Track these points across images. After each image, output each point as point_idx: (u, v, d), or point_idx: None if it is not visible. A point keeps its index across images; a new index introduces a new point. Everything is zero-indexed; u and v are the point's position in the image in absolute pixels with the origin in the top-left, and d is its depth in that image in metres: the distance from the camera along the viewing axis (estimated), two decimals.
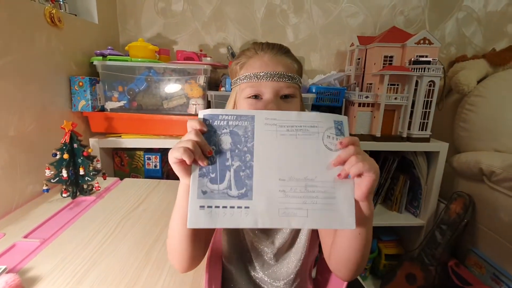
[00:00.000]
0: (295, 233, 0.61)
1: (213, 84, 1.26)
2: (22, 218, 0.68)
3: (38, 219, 0.68)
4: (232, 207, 0.39)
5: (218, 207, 0.39)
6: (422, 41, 1.11)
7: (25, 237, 0.61)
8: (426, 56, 1.12)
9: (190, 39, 1.35)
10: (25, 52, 0.77)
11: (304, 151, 0.40)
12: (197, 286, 0.50)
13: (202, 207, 0.39)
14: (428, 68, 1.08)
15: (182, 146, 0.37)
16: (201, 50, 1.27)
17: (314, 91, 1.13)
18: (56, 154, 0.73)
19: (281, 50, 0.56)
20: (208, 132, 0.40)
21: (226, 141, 0.40)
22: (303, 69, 1.13)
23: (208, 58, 1.13)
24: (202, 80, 1.06)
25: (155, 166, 1.15)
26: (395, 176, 1.26)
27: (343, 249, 0.47)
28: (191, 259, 0.47)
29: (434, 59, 1.10)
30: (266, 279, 0.63)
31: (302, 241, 0.60)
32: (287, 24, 1.36)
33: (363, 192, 0.38)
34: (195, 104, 1.07)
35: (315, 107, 1.16)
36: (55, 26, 0.87)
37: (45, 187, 0.74)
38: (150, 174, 1.15)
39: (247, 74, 0.54)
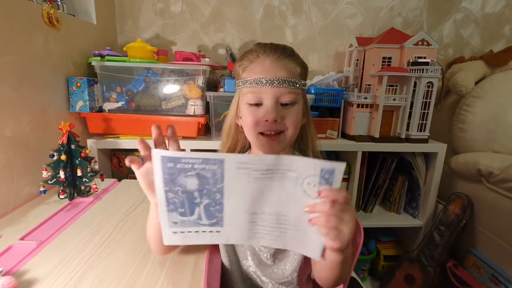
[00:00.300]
0: None
1: (212, 85, 1.26)
2: (18, 220, 0.68)
3: (35, 221, 0.67)
4: (204, 231, 0.41)
5: (191, 232, 0.41)
6: (420, 43, 1.12)
7: (22, 239, 0.60)
8: (425, 58, 1.12)
9: (189, 40, 1.35)
10: (22, 52, 0.76)
11: (279, 192, 0.38)
12: (197, 281, 0.50)
13: (175, 232, 0.41)
14: (427, 69, 1.08)
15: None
16: (199, 51, 1.27)
17: (312, 92, 1.13)
18: (53, 155, 0.73)
19: (284, 53, 0.55)
20: (171, 174, 0.37)
21: (192, 183, 0.38)
22: None
23: (207, 59, 1.13)
24: (200, 81, 1.05)
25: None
26: (393, 177, 1.26)
27: (320, 268, 0.49)
28: (167, 247, 0.49)
29: (433, 60, 1.10)
30: (263, 278, 0.62)
31: None
32: (286, 25, 1.36)
33: (329, 248, 0.38)
34: (194, 105, 1.07)
35: (314, 108, 1.16)
36: (53, 26, 0.87)
37: (42, 189, 0.73)
38: None
39: (248, 79, 0.55)
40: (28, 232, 0.62)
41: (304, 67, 0.58)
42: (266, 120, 0.54)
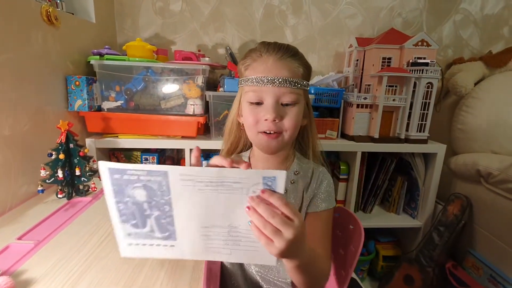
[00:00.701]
0: None
1: (211, 84, 1.26)
2: (16, 220, 0.67)
3: (32, 221, 0.66)
4: (158, 245, 0.42)
5: (145, 244, 0.42)
6: (420, 43, 1.12)
7: (19, 238, 0.59)
8: (424, 58, 1.12)
9: (189, 39, 1.34)
10: (21, 50, 0.76)
11: (227, 203, 0.38)
12: (197, 280, 0.49)
13: (130, 244, 0.42)
14: (426, 70, 1.08)
15: None
16: (199, 50, 1.26)
17: (312, 92, 1.13)
18: (51, 154, 0.72)
19: (287, 53, 0.55)
20: (119, 185, 0.38)
21: (140, 194, 0.39)
22: None
23: (207, 59, 1.13)
24: (200, 80, 1.05)
25: None
26: (393, 178, 1.26)
27: (287, 271, 0.51)
28: None
29: (432, 61, 1.10)
30: (267, 278, 0.62)
31: None
32: (286, 25, 1.36)
33: (272, 253, 0.37)
34: (193, 105, 1.06)
35: (314, 108, 1.16)
36: (51, 24, 0.86)
37: (40, 188, 0.72)
38: None
39: (250, 77, 0.55)
40: (25, 232, 0.62)
41: (307, 68, 0.58)
42: (266, 119, 0.54)
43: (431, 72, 1.09)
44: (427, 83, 1.11)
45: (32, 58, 0.80)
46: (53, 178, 0.73)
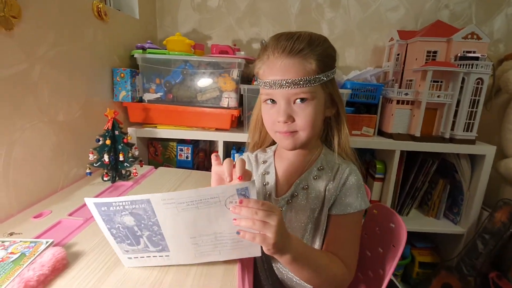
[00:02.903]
0: (311, 239, 0.59)
1: (246, 78, 1.27)
2: (67, 198, 0.73)
3: (81, 200, 0.70)
4: (155, 256, 0.47)
5: (143, 257, 0.47)
6: (470, 36, 1.04)
7: (70, 215, 0.64)
8: (474, 52, 1.04)
9: (224, 34, 1.36)
10: (74, 43, 0.82)
11: (209, 216, 0.42)
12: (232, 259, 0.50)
13: (130, 257, 0.48)
14: (476, 65, 1.00)
15: None
16: (234, 45, 1.28)
17: (349, 87, 1.09)
18: (99, 140, 0.77)
19: (295, 49, 0.52)
20: (108, 215, 0.42)
21: (129, 220, 0.42)
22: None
23: (242, 52, 1.14)
24: (235, 73, 1.06)
25: (187, 157, 1.18)
26: (433, 180, 1.19)
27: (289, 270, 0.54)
28: None
29: (483, 55, 1.02)
30: (289, 275, 0.61)
31: (317, 242, 0.59)
32: (322, 18, 1.33)
33: (268, 246, 0.41)
34: (228, 98, 1.08)
35: (350, 104, 1.13)
36: (101, 20, 0.92)
37: (88, 170, 0.78)
38: (181, 165, 1.18)
39: (261, 80, 0.56)
40: (75, 209, 0.67)
41: (324, 57, 0.53)
42: (279, 121, 0.55)
43: (481, 67, 1.00)
44: (476, 79, 1.02)
45: (83, 50, 0.86)
46: (99, 162, 0.78)
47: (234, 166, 0.47)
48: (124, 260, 0.48)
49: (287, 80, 0.52)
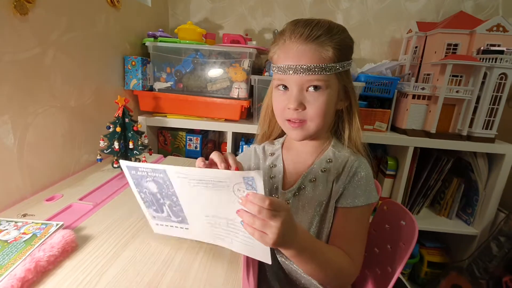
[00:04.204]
0: (317, 232, 0.58)
1: (257, 69, 1.25)
2: (78, 183, 0.74)
3: (91, 185, 0.73)
4: (176, 227, 0.51)
5: (167, 225, 0.52)
6: (495, 28, 0.99)
7: (80, 199, 0.66)
8: (499, 45, 0.99)
9: (236, 24, 1.34)
10: (87, 30, 0.82)
11: (219, 198, 0.43)
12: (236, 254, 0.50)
13: (157, 224, 0.53)
14: (501, 59, 0.95)
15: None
16: (246, 35, 1.26)
17: (363, 80, 1.06)
18: (109, 127, 0.78)
19: (312, 35, 0.50)
20: (137, 179, 0.47)
21: (152, 186, 0.47)
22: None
23: (254, 42, 1.12)
24: (246, 64, 1.05)
25: (196, 147, 1.18)
26: (447, 178, 1.15)
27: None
28: None
29: (509, 49, 0.97)
30: (299, 272, 0.61)
31: (323, 235, 0.58)
32: (338, 8, 1.29)
33: (266, 244, 0.40)
34: (238, 88, 1.07)
35: (363, 98, 1.09)
36: (114, 6, 0.92)
37: (98, 157, 0.79)
38: (190, 155, 1.18)
39: (275, 65, 0.55)
40: (86, 194, 0.68)
41: (341, 47, 0.51)
42: (289, 108, 0.54)
43: (506, 61, 0.95)
44: (500, 74, 0.97)
45: (95, 37, 0.86)
46: (110, 149, 0.79)
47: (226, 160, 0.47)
48: (153, 225, 0.54)
49: (301, 65, 0.50)
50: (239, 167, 0.46)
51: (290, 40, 0.52)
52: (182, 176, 0.43)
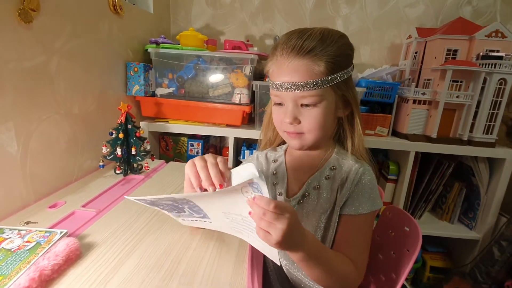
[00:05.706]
0: (321, 239, 0.58)
1: (258, 75, 1.26)
2: (80, 189, 0.74)
3: (94, 192, 0.73)
4: (201, 220, 0.53)
5: (193, 220, 0.55)
6: (494, 34, 1.00)
7: (83, 206, 0.65)
8: (498, 51, 1.00)
9: (237, 30, 1.35)
10: (90, 37, 0.82)
11: (230, 200, 0.44)
12: (242, 257, 0.50)
13: (183, 219, 0.56)
14: (500, 64, 0.96)
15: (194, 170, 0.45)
16: (247, 41, 1.27)
17: (363, 85, 1.07)
18: (112, 133, 0.78)
19: (303, 50, 0.50)
20: (149, 203, 0.51)
21: (167, 203, 0.50)
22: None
23: (255, 48, 1.13)
24: (248, 69, 1.05)
25: (197, 152, 1.18)
26: (448, 183, 1.15)
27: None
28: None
29: (508, 55, 0.98)
30: (300, 276, 0.61)
31: (327, 243, 0.58)
32: (338, 15, 1.30)
33: (271, 245, 0.41)
34: (240, 94, 1.07)
35: (364, 103, 1.10)
36: (116, 14, 0.93)
37: (101, 163, 0.79)
38: None
39: (270, 82, 0.56)
40: (89, 201, 0.68)
41: (336, 57, 0.51)
42: (285, 122, 0.55)
43: (505, 66, 0.96)
44: (499, 79, 0.98)
45: (98, 44, 0.87)
46: (112, 155, 0.79)
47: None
48: (180, 221, 0.57)
49: (293, 83, 0.51)
50: (223, 182, 0.44)
51: (281, 56, 0.52)
52: (190, 197, 0.46)
